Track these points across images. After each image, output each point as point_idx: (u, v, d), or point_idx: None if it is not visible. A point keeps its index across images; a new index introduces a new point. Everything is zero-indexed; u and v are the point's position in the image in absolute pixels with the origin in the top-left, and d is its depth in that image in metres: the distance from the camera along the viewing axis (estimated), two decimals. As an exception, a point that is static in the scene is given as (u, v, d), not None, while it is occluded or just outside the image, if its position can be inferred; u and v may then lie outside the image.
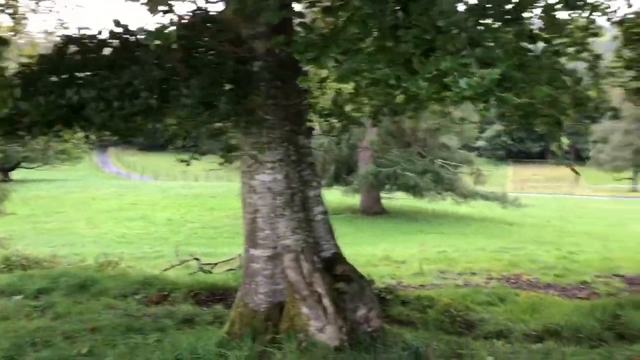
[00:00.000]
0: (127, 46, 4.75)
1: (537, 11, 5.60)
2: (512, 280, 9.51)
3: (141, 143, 66.52)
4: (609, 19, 7.64)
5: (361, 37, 4.24)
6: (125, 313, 6.15)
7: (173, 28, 4.45)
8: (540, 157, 76.73)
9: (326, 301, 4.72)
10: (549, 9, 5.96)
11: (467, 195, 26.53)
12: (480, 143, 70.41)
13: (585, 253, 13.30)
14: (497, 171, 60.12)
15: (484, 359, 4.56)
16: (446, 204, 27.13)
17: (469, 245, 15.43)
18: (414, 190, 25.39)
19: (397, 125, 22.23)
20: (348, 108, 6.14)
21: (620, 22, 8.19)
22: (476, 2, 4.03)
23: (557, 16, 7.74)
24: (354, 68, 4.26)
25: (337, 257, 5.37)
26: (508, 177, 65.18)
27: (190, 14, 4.83)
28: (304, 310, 4.73)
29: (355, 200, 27.60)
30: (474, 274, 10.05)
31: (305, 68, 5.70)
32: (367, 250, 14.26)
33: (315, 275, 4.82)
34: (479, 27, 4.04)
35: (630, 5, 7.23)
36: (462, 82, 3.41)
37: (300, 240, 5.01)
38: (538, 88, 3.99)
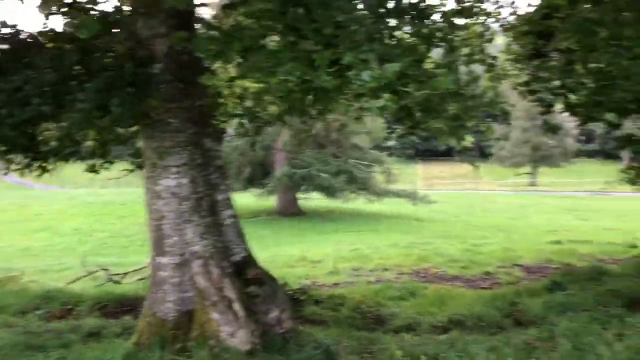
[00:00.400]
0: (17, 48, 4.49)
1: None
2: (421, 274, 9.85)
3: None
4: (501, 25, 8.15)
5: (263, 34, 4.25)
6: (24, 330, 5.77)
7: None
8: (447, 154, 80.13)
9: (237, 306, 4.68)
10: (447, 15, 6.26)
11: (380, 194, 27.19)
12: (391, 143, 72.57)
13: (489, 245, 14.02)
14: (407, 169, 62.16)
15: (393, 352, 4.69)
16: (360, 202, 27.69)
17: (381, 242, 15.81)
18: (329, 190, 25.72)
19: (308, 126, 22.36)
20: (254, 108, 6.12)
21: (511, 28, 8.74)
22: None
23: (455, 22, 8.10)
24: (257, 65, 4.26)
25: (249, 261, 5.34)
26: (417, 175, 67.50)
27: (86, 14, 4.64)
28: (214, 316, 4.67)
29: (271, 202, 27.57)
30: (386, 269, 10.31)
31: (211, 68, 5.62)
32: (285, 251, 14.28)
33: (225, 281, 4.78)
34: (378, 25, 4.17)
35: (515, 12, 7.73)
36: (365, 75, 3.51)
37: (209, 246, 4.93)
38: (438, 80, 4.16)
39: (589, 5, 5.86)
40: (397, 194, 27.65)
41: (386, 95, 3.63)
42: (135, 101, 4.31)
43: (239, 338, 4.60)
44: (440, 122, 5.29)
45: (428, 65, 4.53)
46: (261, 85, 5.45)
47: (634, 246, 12.95)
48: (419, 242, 14.98)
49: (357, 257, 11.95)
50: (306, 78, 3.80)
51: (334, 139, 26.20)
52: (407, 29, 4.80)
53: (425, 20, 4.84)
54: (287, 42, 4.11)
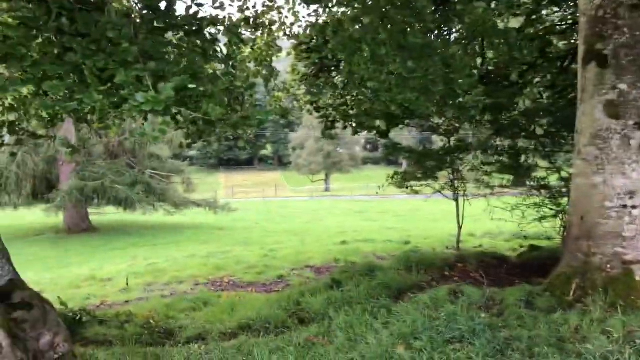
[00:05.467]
0: None
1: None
2: (217, 283, 9.90)
3: None
4: (285, 34, 8.57)
5: (22, 42, 3.90)
6: None
7: None
8: (250, 163, 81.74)
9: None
10: (233, 27, 6.40)
11: (180, 204, 26.60)
12: (192, 152, 71.75)
13: (285, 249, 14.61)
14: (208, 179, 61.89)
15: (179, 364, 4.64)
16: (159, 214, 26.80)
17: (180, 253, 15.53)
18: (126, 203, 24.46)
19: (97, 135, 20.93)
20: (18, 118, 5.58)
21: (296, 42, 9.25)
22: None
23: (242, 33, 8.32)
24: (20, 77, 3.91)
25: (15, 284, 4.85)
26: (220, 184, 67.60)
27: None
28: (-29, 349, 4.15)
29: (60, 218, 25.27)
30: (181, 282, 10.16)
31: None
32: (72, 271, 13.26)
33: (-17, 309, 4.28)
34: (151, 41, 4.07)
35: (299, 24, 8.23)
36: (139, 97, 3.34)
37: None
38: (211, 106, 4.16)
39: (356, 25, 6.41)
40: (198, 204, 27.30)
41: (161, 119, 3.51)
42: None
43: (3, 369, 4.15)
44: (225, 128, 5.32)
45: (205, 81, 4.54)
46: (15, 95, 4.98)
47: (407, 242, 14.57)
48: (217, 252, 15.02)
49: (152, 272, 11.58)
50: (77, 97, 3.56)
51: (128, 149, 25.01)
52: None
53: (201, 34, 4.85)
54: (51, 52, 3.82)
